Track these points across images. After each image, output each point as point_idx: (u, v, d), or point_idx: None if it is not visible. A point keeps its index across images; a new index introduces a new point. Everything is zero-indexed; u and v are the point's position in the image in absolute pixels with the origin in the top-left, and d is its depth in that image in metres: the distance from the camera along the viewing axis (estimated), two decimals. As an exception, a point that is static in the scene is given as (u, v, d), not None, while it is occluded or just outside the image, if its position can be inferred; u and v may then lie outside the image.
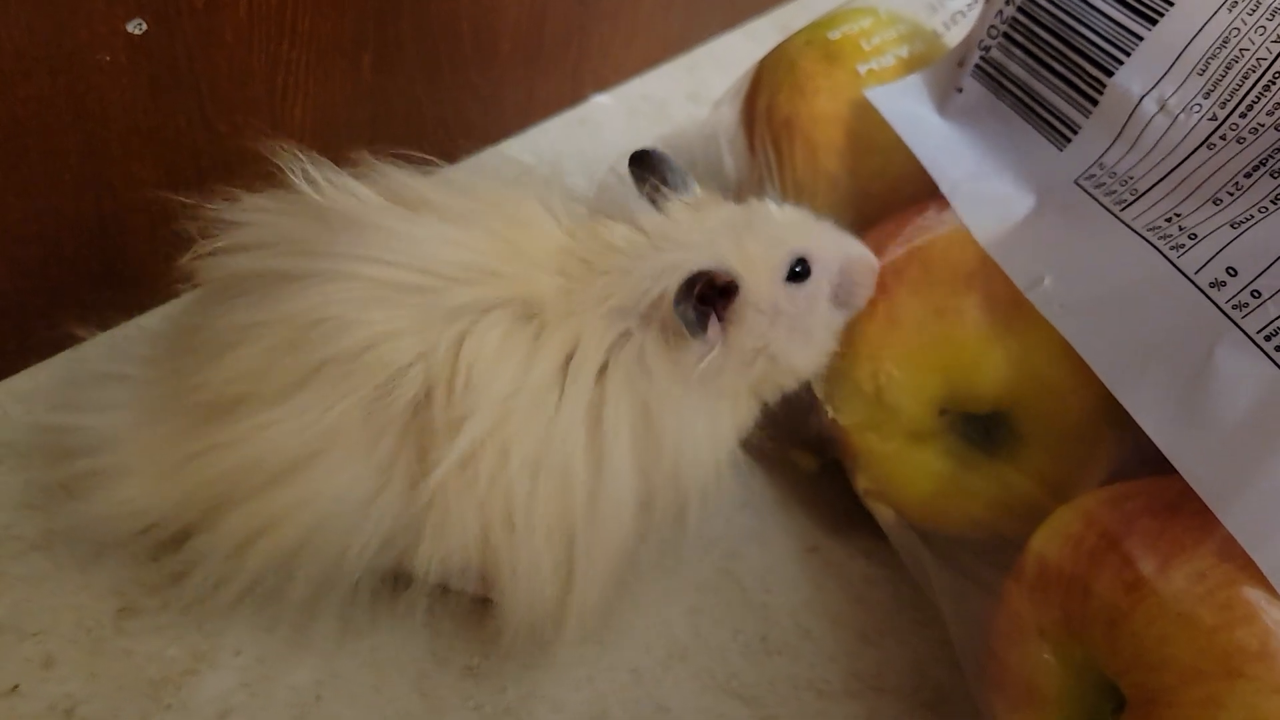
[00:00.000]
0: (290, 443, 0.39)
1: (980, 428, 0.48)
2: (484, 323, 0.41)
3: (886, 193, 0.54)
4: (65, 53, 0.45)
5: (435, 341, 0.40)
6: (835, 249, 0.46)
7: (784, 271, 0.44)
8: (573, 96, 0.75)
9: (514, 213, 0.44)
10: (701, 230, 0.45)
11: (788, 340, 0.45)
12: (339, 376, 0.39)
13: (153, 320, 0.55)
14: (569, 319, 0.42)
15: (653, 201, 0.46)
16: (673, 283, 0.41)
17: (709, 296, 0.42)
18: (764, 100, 0.59)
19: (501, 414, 0.40)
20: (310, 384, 0.39)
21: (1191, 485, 0.38)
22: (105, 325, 0.53)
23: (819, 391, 0.50)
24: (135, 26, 0.47)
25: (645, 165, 0.47)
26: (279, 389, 0.39)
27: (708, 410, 0.44)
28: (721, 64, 0.79)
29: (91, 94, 0.47)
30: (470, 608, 0.47)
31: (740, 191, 0.63)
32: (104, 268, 0.53)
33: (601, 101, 0.75)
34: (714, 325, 0.43)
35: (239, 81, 0.53)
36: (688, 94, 0.77)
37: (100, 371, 0.46)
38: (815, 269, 0.45)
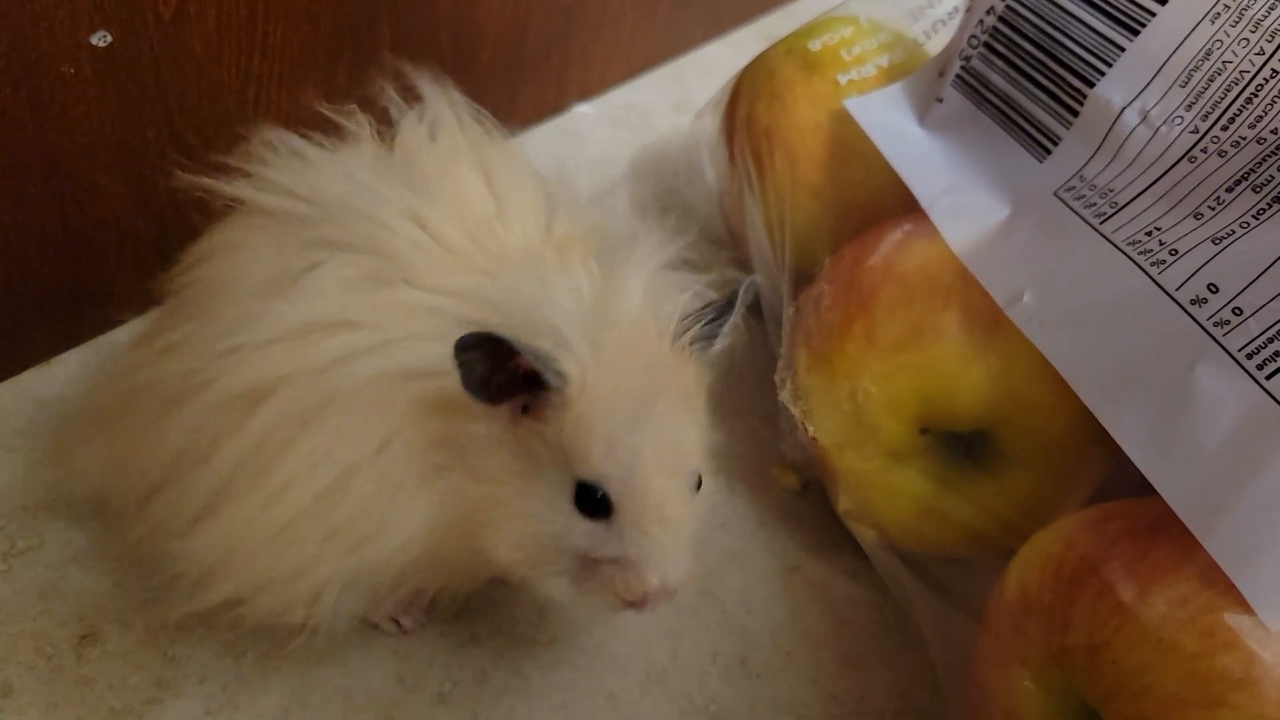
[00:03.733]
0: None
1: (962, 447, 0.47)
2: (335, 260, 0.39)
3: (867, 203, 0.53)
4: (27, 65, 0.45)
5: (286, 266, 0.40)
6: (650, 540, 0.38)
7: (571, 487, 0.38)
8: (555, 106, 0.74)
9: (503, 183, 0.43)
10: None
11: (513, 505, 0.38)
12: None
13: (125, 335, 0.54)
14: (408, 316, 0.39)
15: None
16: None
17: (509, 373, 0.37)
18: (744, 110, 0.58)
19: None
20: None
21: (1173, 508, 0.37)
22: (76, 341, 0.53)
23: (797, 410, 0.49)
24: (99, 39, 0.46)
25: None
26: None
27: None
28: (706, 73, 0.78)
29: (55, 107, 0.46)
30: (441, 632, 0.46)
31: (722, 201, 0.62)
32: (73, 283, 0.52)
33: (584, 111, 0.75)
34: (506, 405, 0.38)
35: (208, 95, 0.52)
36: (672, 104, 0.76)
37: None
38: (617, 514, 0.37)
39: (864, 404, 0.47)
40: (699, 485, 0.40)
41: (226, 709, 0.42)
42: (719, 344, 0.41)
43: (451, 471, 0.38)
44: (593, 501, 0.37)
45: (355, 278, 0.39)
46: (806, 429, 0.49)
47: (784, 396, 0.50)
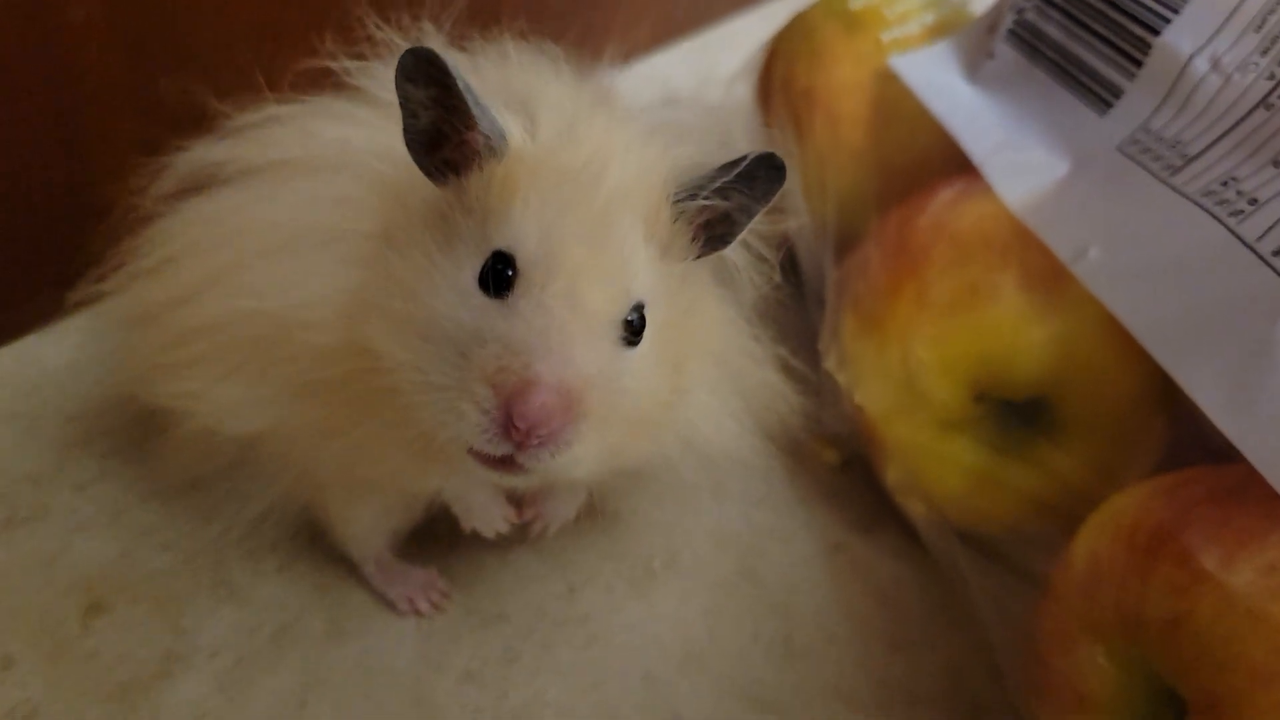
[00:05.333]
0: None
1: (1019, 415, 0.44)
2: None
3: (912, 165, 0.50)
4: (34, 9, 0.42)
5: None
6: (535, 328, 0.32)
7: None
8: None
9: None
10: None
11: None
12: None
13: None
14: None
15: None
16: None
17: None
18: (781, 71, 0.56)
19: None
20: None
21: (1257, 468, 0.34)
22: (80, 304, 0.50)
23: (842, 378, 0.47)
24: (110, -18, 0.44)
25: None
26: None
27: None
28: (733, 46, 0.75)
29: (63, 53, 0.44)
30: (466, 609, 0.44)
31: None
32: (77, 241, 0.49)
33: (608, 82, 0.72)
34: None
35: (223, 42, 0.49)
36: (699, 77, 0.74)
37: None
38: (521, 287, 0.33)
39: (915, 370, 0.44)
40: (638, 326, 0.34)
41: (240, 684, 0.40)
42: (703, 213, 0.36)
43: (379, 258, 0.35)
44: (498, 277, 0.33)
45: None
46: (853, 397, 0.46)
47: (828, 364, 0.47)
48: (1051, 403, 0.43)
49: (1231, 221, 0.38)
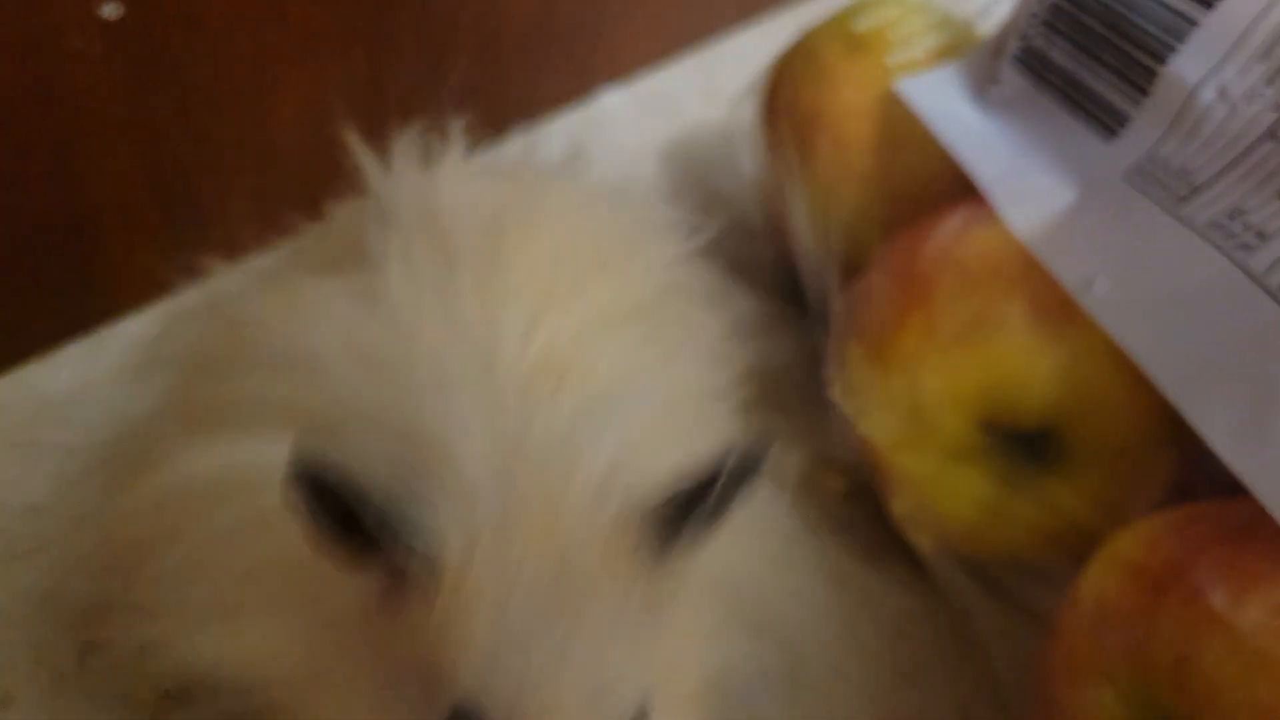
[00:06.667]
0: None
1: (1027, 447, 0.44)
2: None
3: (920, 191, 0.50)
4: (33, 38, 0.42)
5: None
6: None
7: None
8: (580, 92, 0.71)
9: None
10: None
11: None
12: None
13: (131, 326, 0.51)
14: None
15: None
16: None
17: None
18: (786, 95, 0.55)
19: None
20: None
21: (1266, 507, 0.34)
22: (78, 332, 0.50)
23: (848, 408, 0.46)
24: (110, 10, 0.44)
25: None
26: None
27: None
28: (738, 62, 0.75)
29: (63, 83, 0.44)
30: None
31: (761, 191, 0.60)
32: (75, 270, 0.49)
33: (611, 98, 0.72)
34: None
35: (224, 72, 0.49)
36: (703, 94, 0.73)
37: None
38: None
39: (922, 400, 0.44)
40: None
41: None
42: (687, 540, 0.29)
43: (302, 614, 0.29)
44: None
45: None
46: (858, 427, 0.46)
47: (834, 393, 0.47)
48: (1059, 434, 0.43)
49: (1239, 255, 0.38)
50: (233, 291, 0.42)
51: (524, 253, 0.36)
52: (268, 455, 0.29)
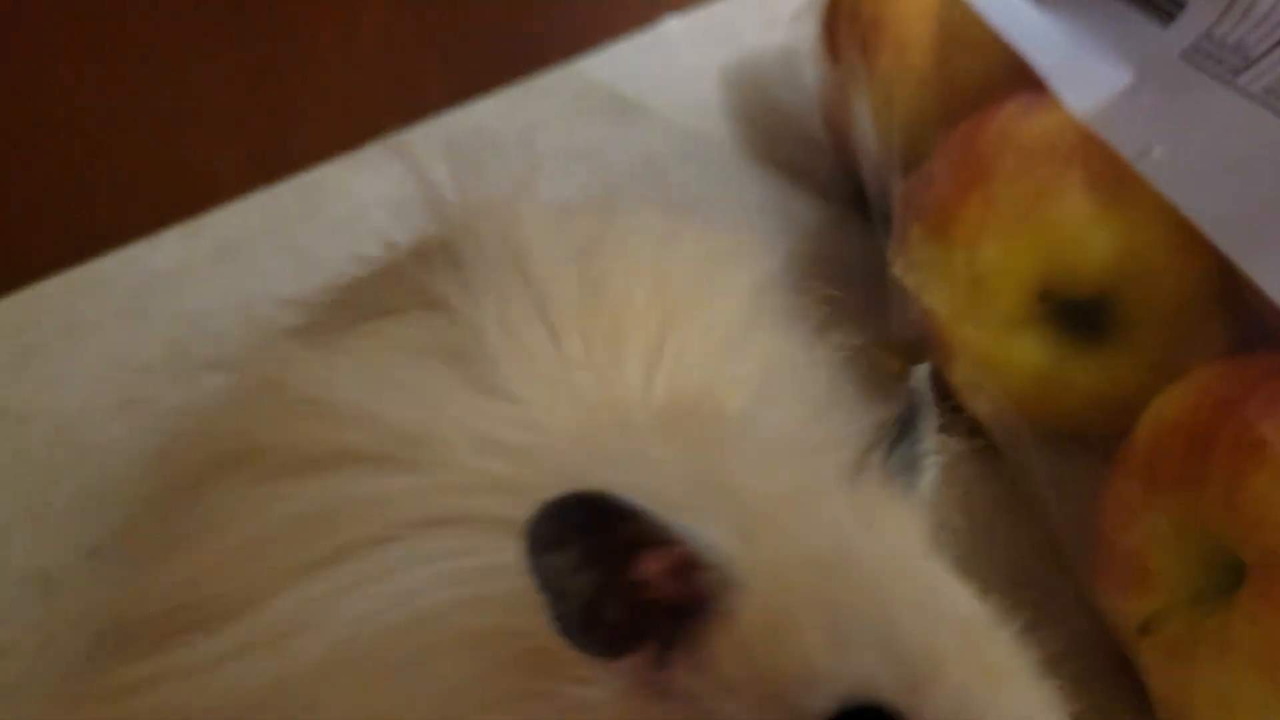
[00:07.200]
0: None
1: (1082, 316, 0.46)
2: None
3: (979, 88, 0.52)
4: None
5: None
6: None
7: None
8: (644, 19, 0.73)
9: None
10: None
11: None
12: None
13: (227, 216, 0.54)
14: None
15: None
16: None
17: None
18: (847, 3, 0.57)
19: None
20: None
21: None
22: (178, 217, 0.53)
23: (910, 281, 0.48)
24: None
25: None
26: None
27: None
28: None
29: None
30: None
31: (824, 104, 0.62)
32: (180, 160, 0.52)
33: (674, 25, 0.74)
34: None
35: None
36: (760, 21, 0.75)
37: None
38: None
39: (982, 272, 0.46)
40: None
41: None
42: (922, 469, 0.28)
43: None
44: None
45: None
46: (920, 302, 0.48)
47: (896, 269, 0.49)
48: (1114, 302, 0.45)
49: (1292, 117, 0.40)
50: (275, 354, 0.36)
51: (620, 293, 0.34)
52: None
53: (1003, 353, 0.47)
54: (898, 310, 0.51)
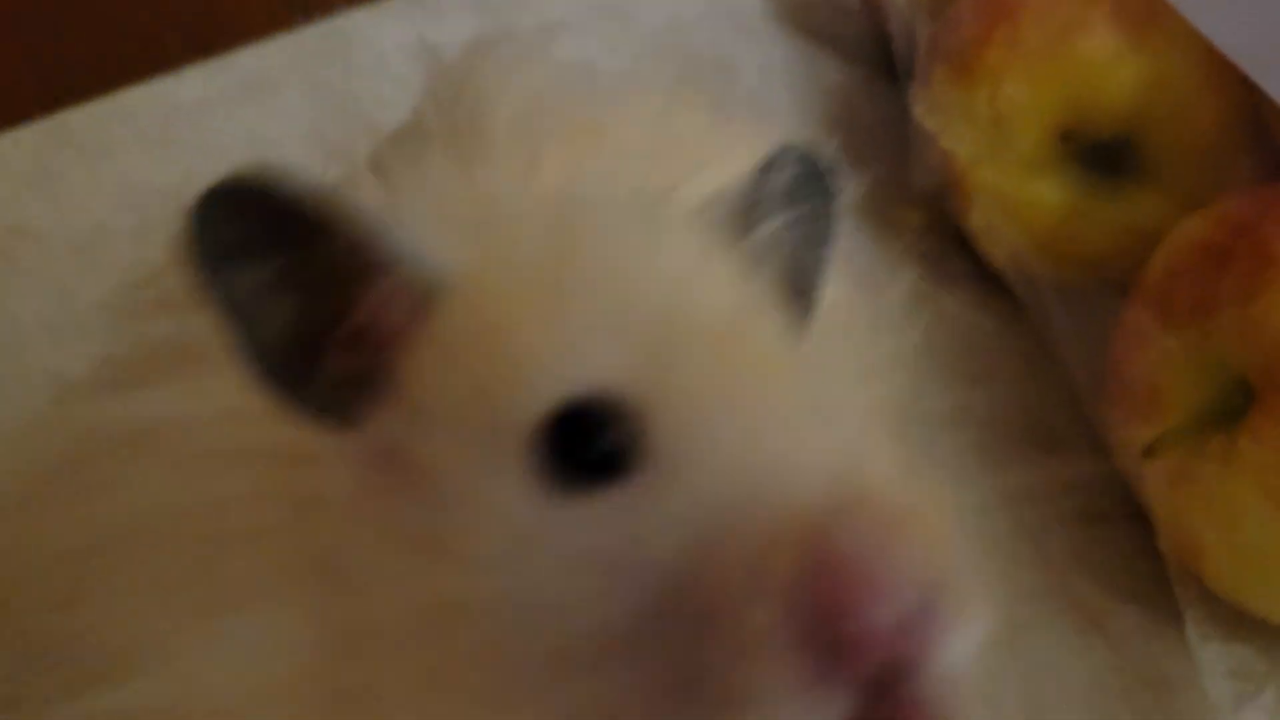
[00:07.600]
0: None
1: (1104, 158, 0.45)
2: None
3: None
4: None
5: None
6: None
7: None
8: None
9: None
10: None
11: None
12: None
13: (250, 57, 0.54)
14: None
15: None
16: None
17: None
18: None
19: None
20: None
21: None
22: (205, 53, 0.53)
23: (931, 123, 0.48)
24: None
25: None
26: None
27: None
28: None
29: None
30: None
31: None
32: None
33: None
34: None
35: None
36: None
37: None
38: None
39: (1004, 109, 0.45)
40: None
41: None
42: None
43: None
44: (584, 440, 0.18)
45: None
46: (940, 143, 0.47)
47: (918, 111, 0.49)
48: (1137, 143, 0.45)
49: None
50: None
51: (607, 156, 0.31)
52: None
53: (1023, 195, 0.46)
54: (918, 159, 0.50)
